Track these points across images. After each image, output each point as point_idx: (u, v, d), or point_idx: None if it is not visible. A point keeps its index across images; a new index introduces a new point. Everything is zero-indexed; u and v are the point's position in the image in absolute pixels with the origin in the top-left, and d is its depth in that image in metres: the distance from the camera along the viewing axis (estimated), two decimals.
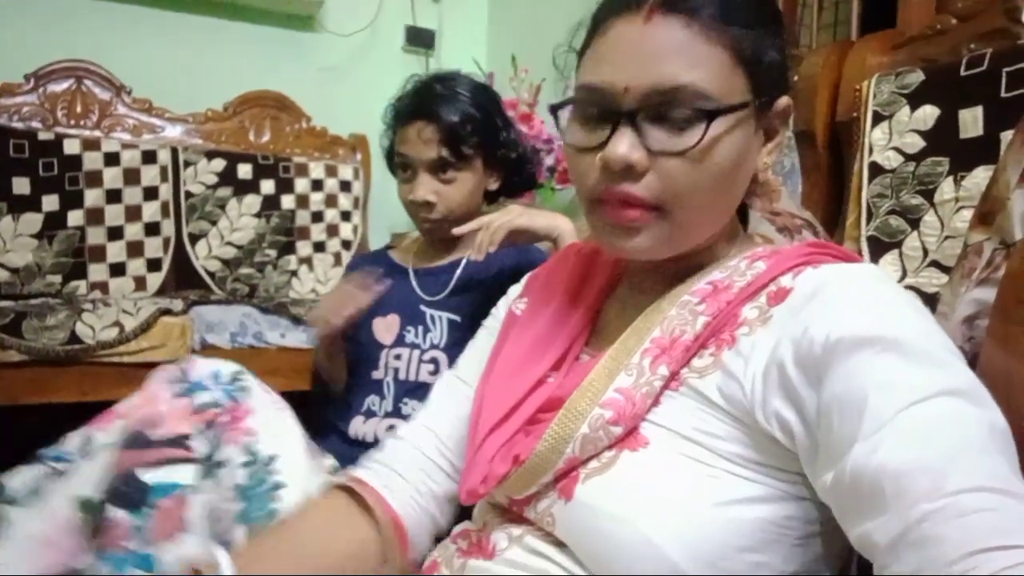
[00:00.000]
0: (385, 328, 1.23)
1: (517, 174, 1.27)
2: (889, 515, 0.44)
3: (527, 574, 0.60)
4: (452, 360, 1.16)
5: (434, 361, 1.21)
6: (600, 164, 0.61)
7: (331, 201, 2.76)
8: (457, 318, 1.22)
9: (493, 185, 1.25)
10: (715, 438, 0.57)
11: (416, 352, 1.21)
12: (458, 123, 1.17)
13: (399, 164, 1.20)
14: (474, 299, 1.21)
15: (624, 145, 0.59)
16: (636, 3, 0.60)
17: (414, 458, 0.80)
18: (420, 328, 1.22)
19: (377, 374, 1.22)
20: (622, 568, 0.55)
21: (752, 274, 0.62)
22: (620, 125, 0.59)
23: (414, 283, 1.26)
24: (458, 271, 1.26)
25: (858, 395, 0.49)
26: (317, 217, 2.74)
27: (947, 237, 1.08)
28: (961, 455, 0.44)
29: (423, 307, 1.23)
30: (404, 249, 1.32)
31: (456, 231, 1.12)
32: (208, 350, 2.06)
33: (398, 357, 1.21)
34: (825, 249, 0.64)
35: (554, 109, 0.68)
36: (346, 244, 2.74)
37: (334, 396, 1.24)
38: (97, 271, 2.36)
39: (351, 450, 1.19)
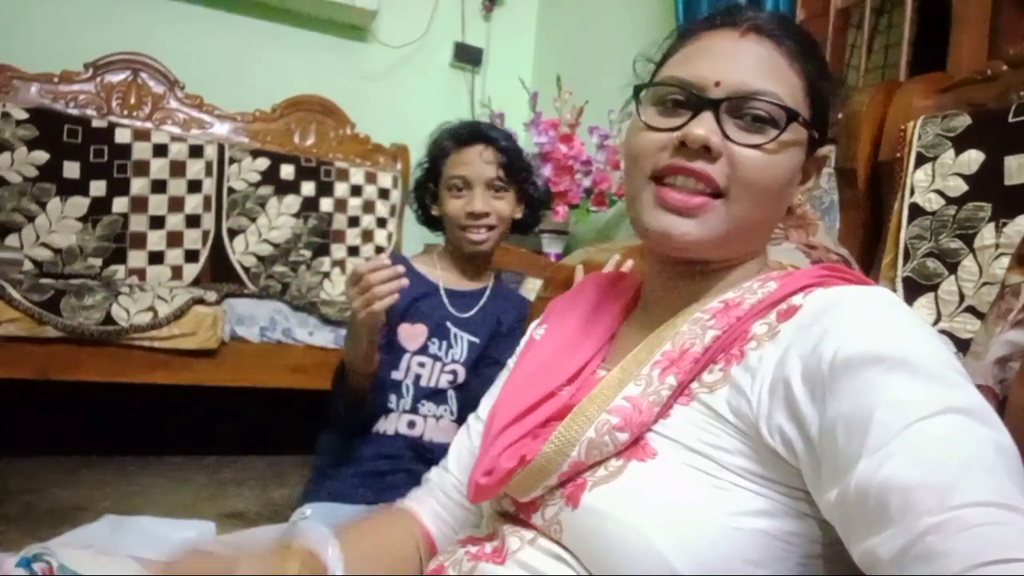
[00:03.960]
0: (412, 335, 1.32)
1: (532, 213, 1.46)
2: (894, 529, 0.44)
3: (539, 574, 0.61)
4: (469, 372, 1.33)
5: (453, 373, 1.33)
6: (676, 141, 0.64)
7: (368, 207, 2.80)
8: (476, 340, 1.35)
9: (519, 214, 1.41)
10: (723, 451, 0.57)
11: (438, 364, 1.32)
12: (511, 150, 1.37)
13: (453, 185, 1.34)
14: (491, 328, 1.37)
15: (705, 127, 0.63)
16: (732, 22, 0.67)
17: (436, 496, 0.85)
18: (444, 343, 1.33)
19: (397, 375, 1.31)
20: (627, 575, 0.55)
21: (763, 292, 0.63)
22: (703, 111, 0.63)
23: (446, 301, 1.37)
24: (484, 297, 1.40)
25: (864, 412, 0.49)
26: (353, 222, 2.78)
27: (985, 283, 1.06)
28: (967, 471, 0.44)
29: (450, 324, 1.35)
30: (428, 264, 1.43)
31: None
32: (237, 342, 2.09)
33: (422, 365, 1.32)
34: (838, 272, 0.65)
35: (638, 90, 0.70)
36: (380, 250, 2.78)
37: (357, 407, 1.28)
38: (136, 257, 2.42)
39: (374, 438, 1.30)
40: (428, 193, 1.43)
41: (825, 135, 0.71)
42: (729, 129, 0.63)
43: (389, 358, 1.30)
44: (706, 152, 0.63)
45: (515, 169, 1.37)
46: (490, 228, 1.34)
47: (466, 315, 1.37)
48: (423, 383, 1.31)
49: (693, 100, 0.65)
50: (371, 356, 1.22)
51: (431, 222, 1.45)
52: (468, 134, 1.38)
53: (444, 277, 1.40)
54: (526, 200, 1.43)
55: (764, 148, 0.63)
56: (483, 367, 1.31)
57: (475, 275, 1.43)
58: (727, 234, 0.65)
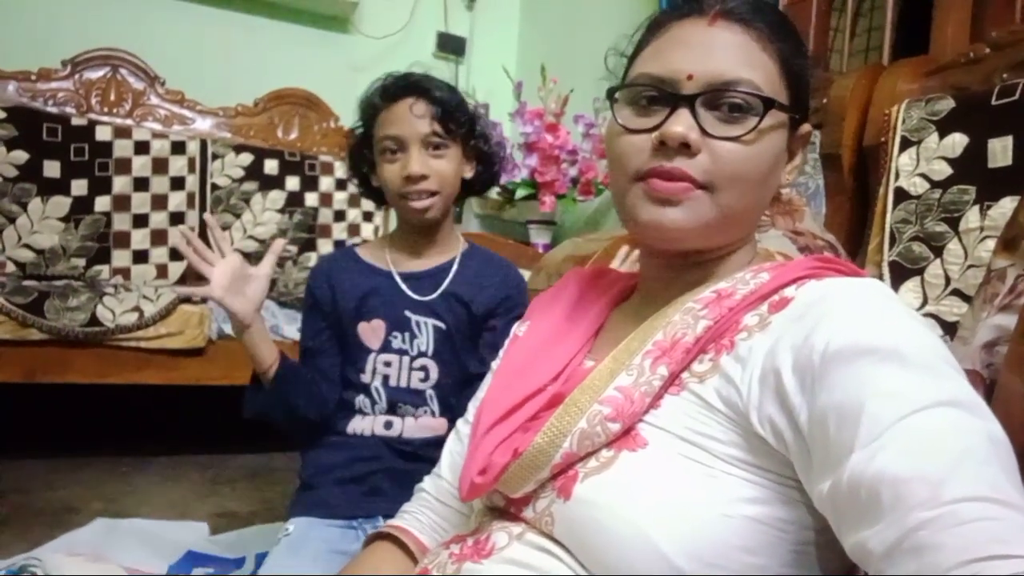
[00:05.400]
0: (371, 332, 1.22)
1: (487, 169, 1.28)
2: (886, 523, 0.43)
3: (523, 573, 0.60)
4: (441, 368, 1.21)
5: (424, 369, 1.22)
6: (655, 142, 0.63)
7: (354, 201, 2.79)
8: (443, 325, 1.22)
9: (469, 173, 1.25)
10: (713, 440, 0.57)
11: (405, 359, 1.21)
12: (447, 100, 1.20)
13: (386, 148, 1.18)
14: (461, 312, 1.22)
15: (682, 124, 0.62)
16: (699, 9, 0.66)
17: (431, 506, 0.85)
18: (407, 334, 1.21)
19: (364, 377, 1.21)
20: (620, 566, 0.55)
21: (756, 283, 0.63)
22: (679, 107, 0.63)
23: (402, 286, 1.23)
24: (450, 274, 1.25)
25: (856, 403, 0.48)
26: (339, 216, 2.77)
27: (970, 266, 1.07)
28: (960, 465, 0.43)
29: (408, 312, 1.22)
30: (377, 250, 1.28)
31: None
32: (225, 340, 2.08)
33: (388, 364, 1.21)
34: (831, 263, 0.64)
35: (611, 92, 0.70)
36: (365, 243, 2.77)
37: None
38: (120, 257, 2.40)
39: (349, 440, 1.21)
40: (365, 162, 1.25)
41: (806, 113, 0.70)
42: (707, 123, 0.63)
43: (353, 359, 1.22)
44: (685, 149, 0.62)
45: (455, 122, 1.19)
46: (432, 194, 1.17)
47: (428, 297, 1.22)
48: (393, 383, 1.21)
49: (667, 97, 0.64)
50: (256, 354, 1.16)
51: (377, 196, 1.29)
52: (395, 87, 1.21)
53: (396, 260, 1.25)
54: (477, 156, 1.25)
55: (743, 140, 0.62)
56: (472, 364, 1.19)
57: (432, 251, 1.26)
58: (716, 223, 0.64)
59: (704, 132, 0.62)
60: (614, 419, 0.60)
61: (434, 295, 1.23)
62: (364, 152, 1.25)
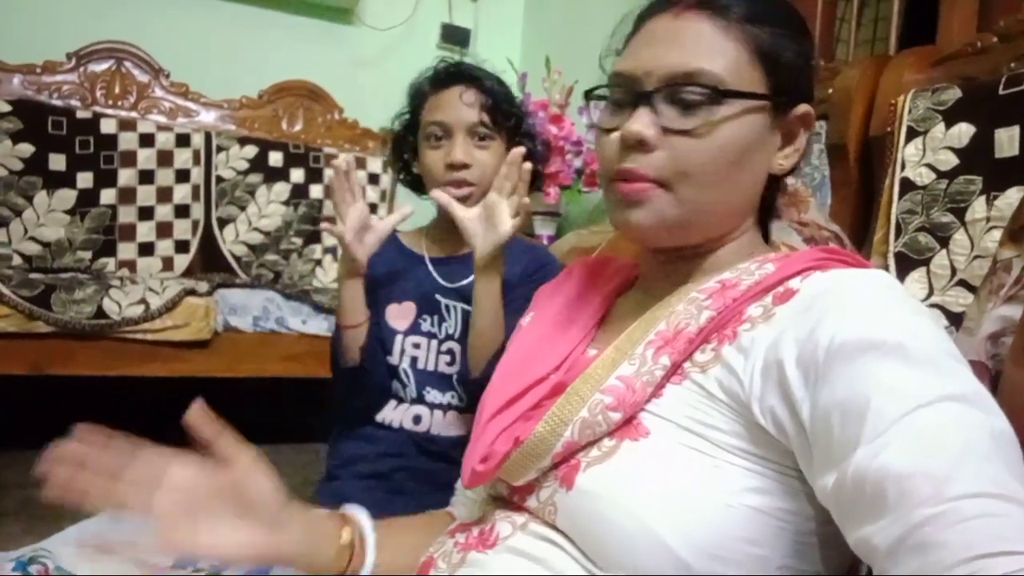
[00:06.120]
0: (400, 314, 1.23)
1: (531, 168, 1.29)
2: (890, 519, 0.43)
3: (527, 567, 0.61)
4: (467, 351, 1.18)
5: (451, 352, 1.22)
6: (618, 141, 0.65)
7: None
8: (471, 309, 1.19)
9: None
10: (715, 430, 0.57)
11: (434, 342, 1.22)
12: (497, 91, 1.21)
13: (431, 134, 1.18)
14: None
15: (639, 122, 0.63)
16: (669, 3, 0.66)
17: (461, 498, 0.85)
18: (436, 317, 1.23)
19: (392, 359, 1.22)
20: (622, 556, 0.55)
21: (760, 274, 0.63)
22: (640, 105, 0.64)
23: (433, 271, 1.25)
24: None
25: (861, 399, 0.48)
26: None
27: (976, 257, 1.06)
28: (964, 460, 0.44)
29: (439, 296, 1.23)
30: (414, 237, 1.30)
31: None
32: (230, 332, 2.09)
33: (416, 346, 1.22)
34: (836, 255, 0.64)
35: (588, 95, 0.72)
36: None
37: (359, 378, 1.23)
38: (126, 249, 2.41)
39: (377, 432, 1.22)
40: (409, 148, 1.26)
41: (796, 95, 0.68)
42: (667, 118, 0.63)
43: (380, 341, 1.22)
44: (643, 146, 0.63)
45: (503, 114, 1.19)
46: (471, 184, 1.17)
47: (458, 284, 1.23)
48: (420, 365, 1.22)
49: (632, 95, 0.65)
50: (352, 306, 1.18)
51: (416, 183, 1.29)
52: (446, 74, 1.21)
53: (430, 247, 1.27)
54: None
55: (696, 132, 0.62)
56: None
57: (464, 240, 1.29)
58: (682, 219, 0.65)
59: (664, 127, 0.63)
60: (615, 408, 0.60)
61: (465, 281, 1.23)
62: (409, 138, 1.25)
